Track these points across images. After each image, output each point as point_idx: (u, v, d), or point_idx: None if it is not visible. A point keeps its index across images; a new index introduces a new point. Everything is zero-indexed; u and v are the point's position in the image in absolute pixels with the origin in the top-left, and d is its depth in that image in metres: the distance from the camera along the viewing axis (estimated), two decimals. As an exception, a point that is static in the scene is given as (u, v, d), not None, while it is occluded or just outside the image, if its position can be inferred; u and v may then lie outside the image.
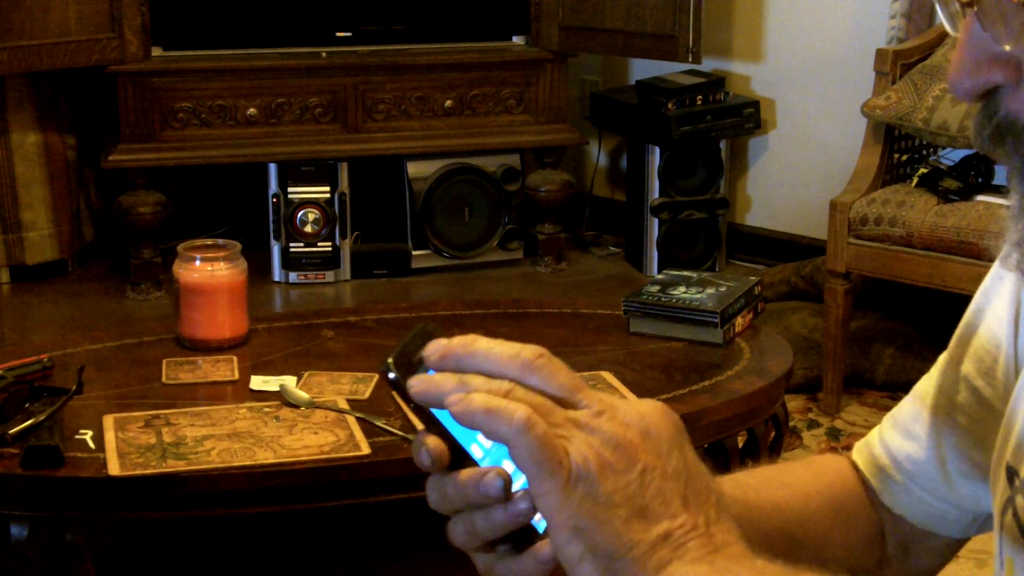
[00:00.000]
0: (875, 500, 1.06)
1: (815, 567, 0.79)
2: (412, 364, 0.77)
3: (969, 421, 1.00)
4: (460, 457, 0.77)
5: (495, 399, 0.75)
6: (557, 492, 0.74)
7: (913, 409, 1.05)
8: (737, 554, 0.76)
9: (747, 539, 0.78)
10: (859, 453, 1.08)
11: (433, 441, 0.77)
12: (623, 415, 0.78)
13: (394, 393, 0.77)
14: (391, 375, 0.76)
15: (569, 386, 0.78)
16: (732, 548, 0.76)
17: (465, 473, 0.77)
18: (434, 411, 0.77)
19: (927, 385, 1.04)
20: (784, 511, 0.98)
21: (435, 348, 0.78)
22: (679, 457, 0.77)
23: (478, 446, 0.78)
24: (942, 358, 1.03)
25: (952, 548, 1.07)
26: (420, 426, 0.79)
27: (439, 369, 0.78)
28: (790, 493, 1.01)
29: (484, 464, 0.78)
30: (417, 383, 0.77)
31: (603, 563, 0.74)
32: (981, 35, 0.79)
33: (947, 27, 0.83)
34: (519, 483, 0.77)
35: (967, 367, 1.00)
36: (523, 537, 0.78)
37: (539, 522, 0.77)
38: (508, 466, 0.77)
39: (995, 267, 1.00)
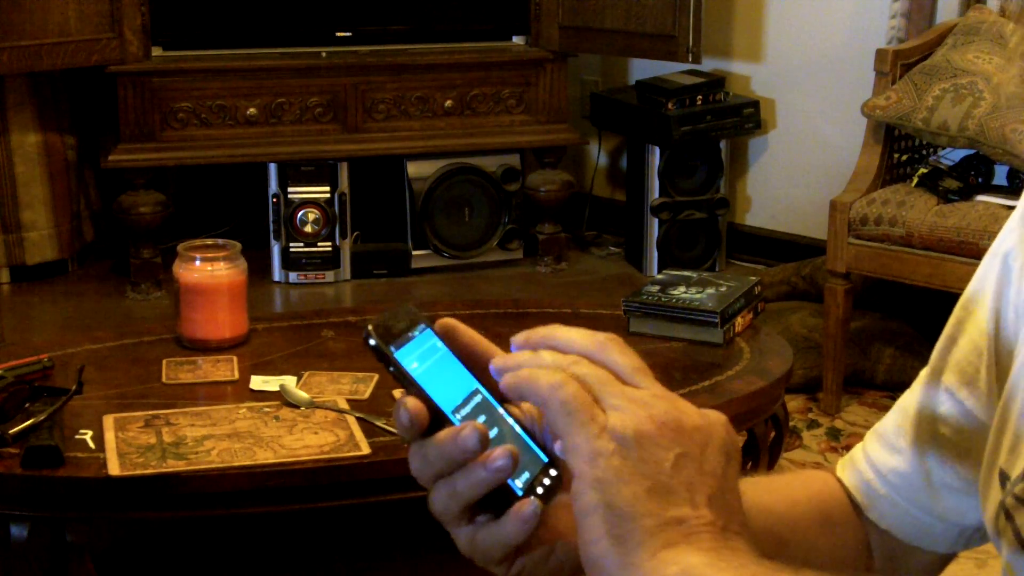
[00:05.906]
0: (861, 515, 1.06)
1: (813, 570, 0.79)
2: (392, 334, 0.80)
3: (953, 432, 1.00)
4: (440, 422, 0.79)
5: (537, 369, 0.78)
6: (588, 443, 0.75)
7: (896, 423, 1.05)
8: (743, 549, 0.76)
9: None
10: (843, 469, 1.08)
11: (413, 403, 0.78)
12: (682, 404, 0.78)
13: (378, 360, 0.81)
14: (372, 341, 0.79)
15: (636, 367, 0.80)
16: (741, 548, 0.76)
17: (443, 432, 0.78)
18: (416, 376, 0.79)
19: (910, 399, 1.04)
20: (772, 513, 0.98)
21: (520, 334, 0.81)
22: (722, 464, 0.77)
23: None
24: (924, 372, 1.04)
25: (938, 564, 1.07)
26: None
27: (521, 349, 0.81)
28: (777, 497, 1.01)
29: None
30: (498, 360, 0.80)
31: (613, 521, 0.74)
32: None
33: None
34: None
35: (948, 378, 1.00)
36: (502, 501, 0.78)
37: (517, 484, 0.78)
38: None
39: (975, 278, 1.00)
